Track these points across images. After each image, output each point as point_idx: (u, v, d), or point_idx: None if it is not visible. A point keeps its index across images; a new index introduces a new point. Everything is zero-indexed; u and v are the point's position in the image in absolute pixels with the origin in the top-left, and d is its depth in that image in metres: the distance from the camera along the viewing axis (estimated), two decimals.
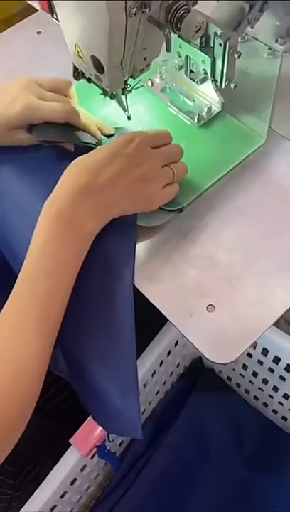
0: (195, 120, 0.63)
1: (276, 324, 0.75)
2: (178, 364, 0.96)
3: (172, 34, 0.49)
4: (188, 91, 0.65)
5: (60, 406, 0.82)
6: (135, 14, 0.44)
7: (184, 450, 0.93)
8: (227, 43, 0.54)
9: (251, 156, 0.61)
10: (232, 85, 0.59)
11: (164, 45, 0.50)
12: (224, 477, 0.92)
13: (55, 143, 0.58)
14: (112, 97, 0.60)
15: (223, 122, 0.63)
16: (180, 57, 0.61)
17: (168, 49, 0.49)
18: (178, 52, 0.60)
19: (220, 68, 0.58)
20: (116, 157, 0.50)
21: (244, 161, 0.61)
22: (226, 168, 0.60)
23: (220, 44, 0.54)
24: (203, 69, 0.59)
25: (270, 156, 0.61)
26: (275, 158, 0.61)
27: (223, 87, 0.60)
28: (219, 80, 0.59)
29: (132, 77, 0.55)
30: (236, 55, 0.56)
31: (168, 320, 0.51)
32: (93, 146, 0.59)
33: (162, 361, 0.84)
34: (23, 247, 0.49)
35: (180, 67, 0.63)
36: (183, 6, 0.48)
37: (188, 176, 0.58)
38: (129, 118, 0.63)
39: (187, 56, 0.60)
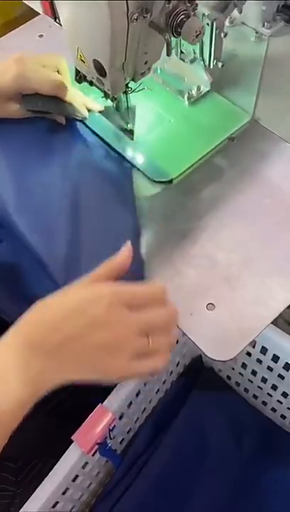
0: (185, 98, 0.66)
1: (275, 323, 0.76)
2: (178, 363, 0.96)
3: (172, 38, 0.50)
4: (178, 71, 0.67)
5: (61, 404, 0.83)
6: (136, 19, 0.45)
7: (184, 449, 0.94)
8: (214, 23, 0.56)
9: (249, 157, 0.62)
10: (220, 64, 0.62)
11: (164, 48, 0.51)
12: (223, 475, 0.92)
13: (43, 113, 0.60)
14: (113, 99, 0.61)
15: (212, 100, 0.67)
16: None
17: (169, 53, 0.50)
18: None
19: (208, 48, 0.60)
20: (78, 315, 0.42)
21: (233, 134, 0.64)
22: (214, 142, 0.63)
23: (207, 24, 0.57)
24: (193, 49, 0.62)
25: (268, 158, 0.62)
26: (272, 160, 0.62)
27: (211, 66, 0.63)
28: (207, 60, 0.62)
29: (133, 80, 0.56)
30: (223, 35, 0.58)
31: None
32: (78, 119, 0.62)
33: None
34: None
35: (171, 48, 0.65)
36: (183, 11, 0.49)
37: (178, 149, 0.62)
38: (131, 131, 0.64)
39: None
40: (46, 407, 0.82)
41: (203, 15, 0.56)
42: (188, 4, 0.49)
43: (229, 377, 1.01)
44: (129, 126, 0.64)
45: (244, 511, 0.89)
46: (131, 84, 0.58)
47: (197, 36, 0.49)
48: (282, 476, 0.92)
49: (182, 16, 0.48)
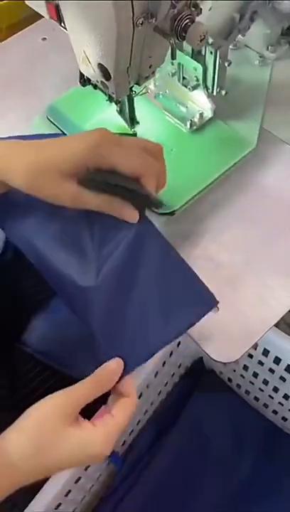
0: (188, 126, 0.64)
1: (276, 326, 0.77)
2: (180, 365, 0.97)
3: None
4: (180, 97, 0.66)
5: None
6: (142, 24, 0.46)
7: (185, 451, 0.94)
8: (218, 52, 0.55)
9: (250, 159, 0.62)
10: (223, 92, 0.61)
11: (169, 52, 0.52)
12: (224, 477, 0.93)
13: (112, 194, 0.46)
14: (117, 103, 0.61)
15: (215, 128, 0.65)
16: (173, 64, 0.63)
17: (174, 57, 0.50)
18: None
19: (211, 76, 0.59)
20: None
21: (235, 165, 0.62)
22: (217, 173, 0.61)
23: (211, 52, 0.56)
24: (195, 76, 0.61)
25: (268, 160, 0.63)
26: (273, 162, 0.63)
27: (215, 93, 0.62)
28: (210, 87, 0.61)
29: (137, 83, 0.56)
30: (226, 63, 0.57)
31: None
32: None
33: (164, 362, 0.85)
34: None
35: (173, 74, 0.64)
36: (188, 15, 0.49)
37: (180, 179, 0.59)
38: (134, 134, 0.64)
39: (179, 63, 0.62)
40: None
41: (207, 43, 0.55)
42: (193, 9, 0.49)
43: (230, 380, 1.02)
44: (133, 130, 0.65)
45: None
46: (135, 88, 0.59)
47: (201, 40, 0.50)
48: (283, 479, 0.93)
49: (187, 21, 0.49)
